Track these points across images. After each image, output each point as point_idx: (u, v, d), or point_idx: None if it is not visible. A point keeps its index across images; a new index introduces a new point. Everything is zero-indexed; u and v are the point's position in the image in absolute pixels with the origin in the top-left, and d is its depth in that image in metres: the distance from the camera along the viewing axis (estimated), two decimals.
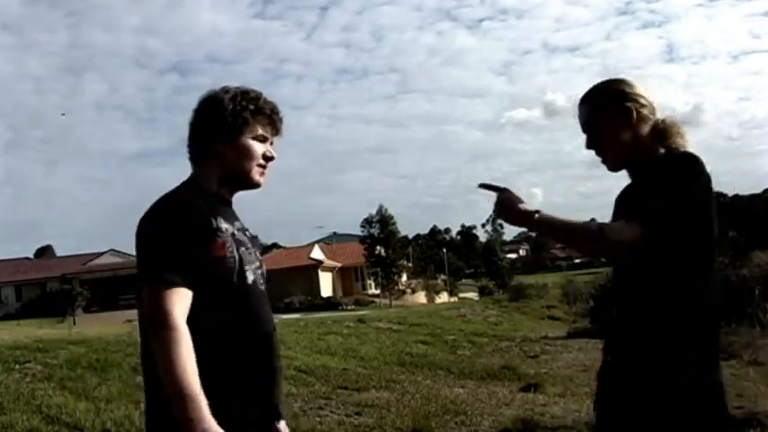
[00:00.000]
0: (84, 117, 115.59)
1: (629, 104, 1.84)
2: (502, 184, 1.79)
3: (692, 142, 1.86)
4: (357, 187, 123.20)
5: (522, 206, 1.75)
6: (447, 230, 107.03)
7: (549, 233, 1.80)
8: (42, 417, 5.41)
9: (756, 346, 8.95)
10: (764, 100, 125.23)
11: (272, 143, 1.79)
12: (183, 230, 1.58)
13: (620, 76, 1.92)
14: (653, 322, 1.73)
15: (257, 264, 1.72)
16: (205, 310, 1.57)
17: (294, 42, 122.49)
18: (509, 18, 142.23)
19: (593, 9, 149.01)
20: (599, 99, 1.89)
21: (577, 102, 1.94)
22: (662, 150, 1.84)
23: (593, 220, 1.84)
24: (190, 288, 1.56)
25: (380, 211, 41.69)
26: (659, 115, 1.88)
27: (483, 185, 1.84)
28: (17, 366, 7.30)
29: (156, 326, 1.51)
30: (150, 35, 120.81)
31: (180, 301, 1.53)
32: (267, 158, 1.77)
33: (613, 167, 1.91)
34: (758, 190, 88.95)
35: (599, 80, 1.94)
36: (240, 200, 1.82)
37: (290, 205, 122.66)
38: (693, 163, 1.74)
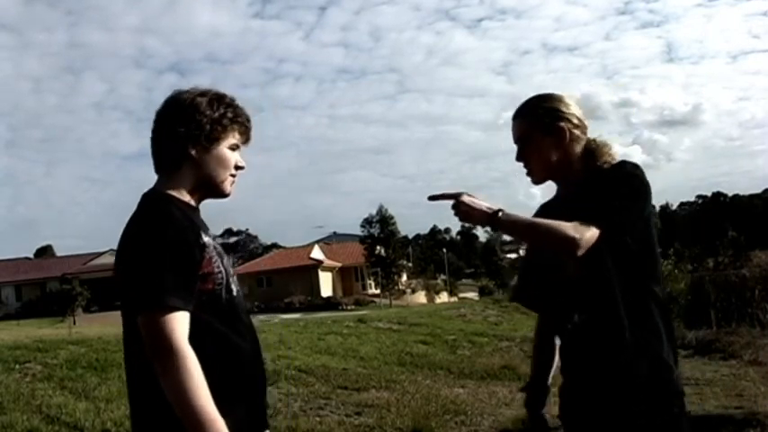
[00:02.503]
0: (84, 117, 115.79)
1: (562, 124, 1.87)
2: (483, 195, 1.77)
3: (617, 156, 1.89)
4: (357, 187, 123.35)
5: (483, 205, 1.74)
6: (447, 230, 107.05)
7: (512, 232, 1.79)
8: (42, 417, 5.42)
9: (756, 346, 8.96)
10: (764, 100, 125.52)
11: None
12: (179, 250, 1.52)
13: (555, 92, 1.94)
14: (638, 320, 1.75)
15: (232, 271, 1.70)
16: (197, 329, 1.52)
17: (293, 42, 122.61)
18: (508, 18, 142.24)
19: (593, 9, 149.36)
20: (533, 116, 1.90)
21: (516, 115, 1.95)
22: (604, 165, 1.86)
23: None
24: (189, 310, 1.52)
25: (380, 211, 41.76)
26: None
27: (433, 197, 1.81)
28: (17, 366, 7.30)
29: (162, 353, 1.46)
30: (149, 35, 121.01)
31: (183, 325, 1.49)
32: (238, 168, 1.72)
33: (537, 182, 1.94)
34: (758, 190, 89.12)
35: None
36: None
37: (289, 205, 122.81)
38: (636, 165, 1.81)
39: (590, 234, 1.67)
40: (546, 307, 2.01)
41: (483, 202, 1.74)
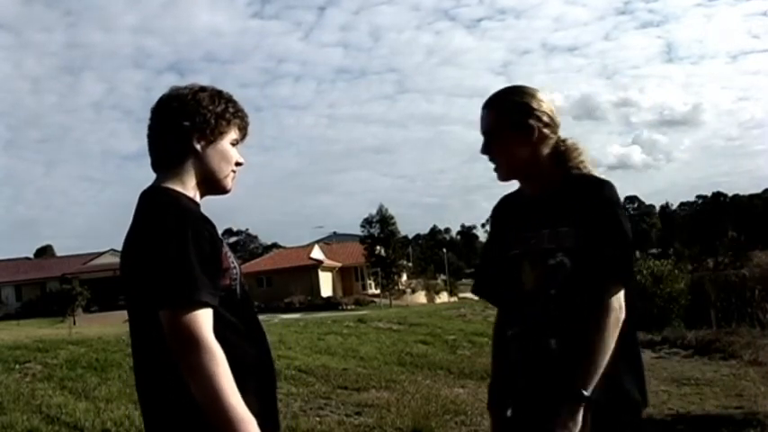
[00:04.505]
0: (83, 117, 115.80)
1: (531, 122, 1.80)
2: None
3: (589, 163, 1.85)
4: (356, 187, 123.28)
5: (569, 416, 1.66)
6: (447, 230, 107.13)
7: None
8: (42, 417, 5.41)
9: (756, 346, 8.95)
10: (763, 100, 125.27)
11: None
12: (203, 244, 1.50)
13: (530, 86, 1.88)
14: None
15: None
16: (218, 325, 1.49)
17: (292, 42, 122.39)
18: (507, 18, 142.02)
19: (592, 9, 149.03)
20: (503, 108, 1.84)
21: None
22: (572, 171, 1.82)
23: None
24: (216, 306, 1.49)
25: (380, 210, 41.75)
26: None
27: None
28: (17, 366, 7.31)
29: (192, 350, 1.42)
30: (148, 35, 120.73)
31: (210, 321, 1.46)
32: (237, 164, 1.72)
33: (503, 179, 1.89)
34: (758, 190, 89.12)
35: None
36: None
37: (289, 205, 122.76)
38: (614, 189, 1.77)
39: (620, 302, 1.69)
40: (505, 303, 1.98)
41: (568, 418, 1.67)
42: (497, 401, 1.99)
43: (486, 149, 1.88)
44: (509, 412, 1.93)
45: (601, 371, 1.66)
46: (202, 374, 1.41)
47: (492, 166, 1.90)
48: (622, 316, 1.69)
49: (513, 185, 1.96)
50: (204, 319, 1.45)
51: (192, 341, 1.42)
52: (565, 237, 1.76)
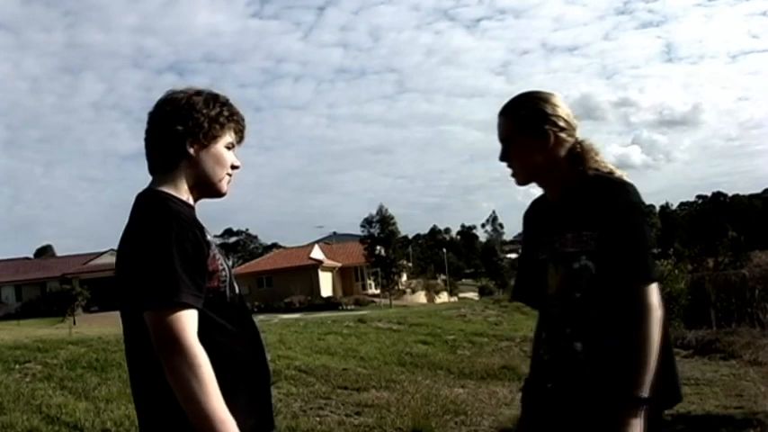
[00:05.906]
0: (82, 117, 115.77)
1: (547, 127, 1.83)
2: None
3: (605, 163, 1.87)
4: (356, 187, 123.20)
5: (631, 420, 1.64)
6: (447, 230, 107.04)
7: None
8: (42, 417, 5.42)
9: (756, 346, 8.96)
10: (763, 100, 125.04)
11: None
12: (188, 246, 1.51)
13: (544, 91, 1.89)
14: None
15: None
16: (204, 326, 1.51)
17: (292, 42, 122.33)
18: (507, 18, 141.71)
19: (592, 9, 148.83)
20: (518, 115, 1.86)
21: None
22: (589, 172, 1.83)
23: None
24: (200, 308, 1.50)
25: (380, 210, 41.73)
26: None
27: None
28: (17, 366, 7.31)
29: (173, 352, 1.43)
30: (147, 35, 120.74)
31: (194, 323, 1.47)
32: (233, 167, 1.72)
33: (521, 183, 1.91)
34: (758, 190, 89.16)
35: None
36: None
37: (289, 205, 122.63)
38: (635, 192, 1.77)
39: (658, 299, 1.70)
40: (539, 306, 2.00)
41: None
42: (527, 399, 2.05)
43: (504, 156, 1.90)
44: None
45: (653, 371, 1.66)
46: (182, 376, 1.42)
47: (507, 171, 1.92)
48: (661, 313, 1.70)
49: (521, 189, 1.98)
50: (186, 320, 1.46)
51: (172, 343, 1.43)
52: (588, 240, 1.77)
